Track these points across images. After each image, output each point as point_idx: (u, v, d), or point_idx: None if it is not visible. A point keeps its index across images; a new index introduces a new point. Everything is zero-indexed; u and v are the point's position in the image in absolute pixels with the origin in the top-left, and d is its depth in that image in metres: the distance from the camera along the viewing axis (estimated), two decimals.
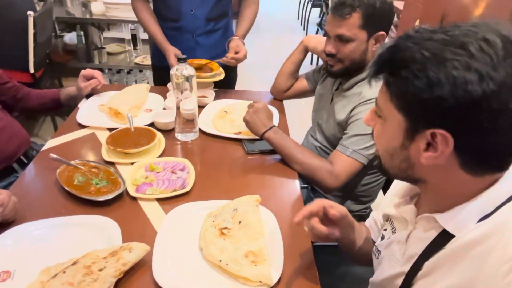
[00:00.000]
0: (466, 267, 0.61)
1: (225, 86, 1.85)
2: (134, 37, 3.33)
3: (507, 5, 3.00)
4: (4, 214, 0.97)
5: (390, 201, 0.88)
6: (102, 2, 3.04)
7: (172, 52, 1.69)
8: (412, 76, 0.57)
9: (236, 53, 1.64)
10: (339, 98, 1.39)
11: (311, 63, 4.41)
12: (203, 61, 1.72)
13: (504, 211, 0.61)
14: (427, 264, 0.68)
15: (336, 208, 0.85)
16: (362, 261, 1.00)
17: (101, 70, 3.17)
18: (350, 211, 1.50)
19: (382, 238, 0.87)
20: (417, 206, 0.77)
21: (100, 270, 0.84)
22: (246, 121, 1.35)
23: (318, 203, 0.86)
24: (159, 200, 1.12)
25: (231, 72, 1.98)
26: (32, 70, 2.49)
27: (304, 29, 5.85)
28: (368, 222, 1.04)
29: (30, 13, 2.34)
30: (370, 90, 1.27)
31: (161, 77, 1.87)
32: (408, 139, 0.63)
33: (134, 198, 1.12)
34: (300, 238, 1.03)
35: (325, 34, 1.33)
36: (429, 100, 0.56)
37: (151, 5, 1.80)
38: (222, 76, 1.71)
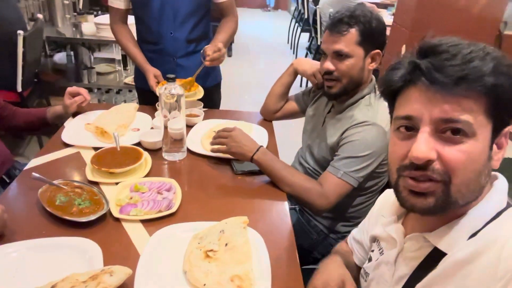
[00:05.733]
0: (457, 285, 0.60)
1: (209, 108, 1.84)
2: (124, 57, 3.34)
3: (491, 31, 3.10)
4: None
5: (375, 221, 0.86)
6: (93, 22, 3.05)
7: (151, 72, 1.68)
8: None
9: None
10: (332, 121, 1.39)
11: (301, 85, 4.46)
12: (184, 80, 1.70)
13: (493, 228, 0.61)
14: (419, 286, 0.66)
15: None
16: None
17: (90, 89, 3.16)
18: (339, 233, 1.49)
19: (370, 260, 0.85)
20: (404, 226, 0.76)
21: None
22: (229, 152, 1.31)
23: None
24: (144, 221, 1.09)
25: (214, 93, 1.98)
26: (19, 89, 2.47)
27: (293, 53, 5.95)
28: (349, 242, 1.02)
29: (20, 32, 2.33)
30: (361, 113, 1.28)
31: (146, 99, 1.86)
32: (491, 147, 0.62)
33: (118, 219, 1.09)
34: (288, 262, 1.00)
35: (315, 58, 1.35)
36: None
37: (132, 28, 1.82)
38: (200, 95, 1.69)
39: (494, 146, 0.62)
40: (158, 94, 1.61)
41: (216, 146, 1.34)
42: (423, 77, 0.60)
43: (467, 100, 0.58)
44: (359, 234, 0.98)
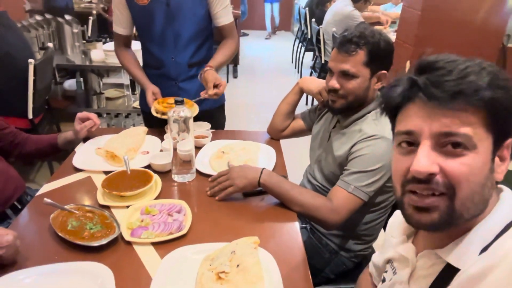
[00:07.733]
0: None
1: (214, 129, 1.85)
2: (132, 82, 3.40)
3: (494, 44, 3.12)
4: (5, 257, 0.96)
5: (387, 244, 0.86)
6: (101, 49, 3.12)
7: (150, 90, 1.70)
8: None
9: (216, 86, 1.61)
10: (337, 135, 1.39)
11: (306, 103, 4.49)
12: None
13: (503, 241, 0.61)
14: None
15: None
16: None
17: (100, 114, 3.21)
18: (351, 251, 1.47)
19: (383, 280, 0.84)
20: (415, 244, 0.76)
21: None
22: (238, 189, 1.28)
23: None
24: (155, 244, 1.09)
25: (218, 115, 1.99)
26: (30, 116, 2.51)
27: (298, 72, 6.01)
28: (370, 267, 1.01)
29: (31, 61, 2.39)
30: (369, 127, 1.28)
31: (151, 121, 1.87)
32: (493, 160, 0.62)
33: (129, 243, 1.09)
34: (301, 281, 0.99)
35: (319, 76, 1.36)
36: None
37: (138, 53, 1.87)
38: (195, 112, 1.65)
39: (497, 159, 0.63)
40: (153, 113, 1.62)
41: (223, 194, 1.30)
42: (421, 92, 0.62)
43: (465, 114, 0.59)
44: (376, 257, 0.97)
